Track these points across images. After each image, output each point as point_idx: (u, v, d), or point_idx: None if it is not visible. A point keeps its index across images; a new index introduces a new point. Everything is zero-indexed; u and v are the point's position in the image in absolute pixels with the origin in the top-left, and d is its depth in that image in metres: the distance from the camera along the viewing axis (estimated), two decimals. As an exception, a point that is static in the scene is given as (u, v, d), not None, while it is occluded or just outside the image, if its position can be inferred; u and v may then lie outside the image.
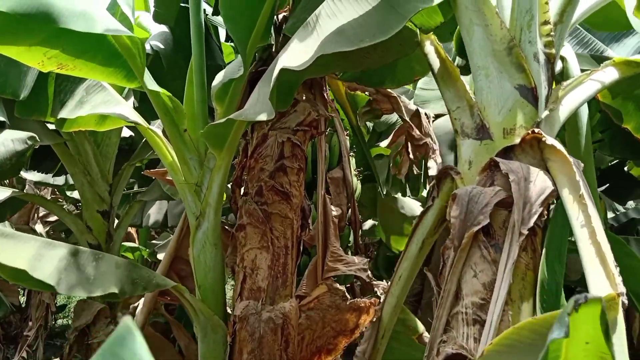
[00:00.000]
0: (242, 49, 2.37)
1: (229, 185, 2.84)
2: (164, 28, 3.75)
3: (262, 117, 1.87)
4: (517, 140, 1.49)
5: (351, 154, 3.86)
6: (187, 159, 2.49)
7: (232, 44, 4.33)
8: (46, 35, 2.00)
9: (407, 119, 3.66)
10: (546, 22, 1.61)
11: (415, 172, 3.93)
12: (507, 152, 1.49)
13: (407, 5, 1.66)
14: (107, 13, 2.14)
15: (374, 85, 2.49)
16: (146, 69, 2.38)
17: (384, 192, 4.51)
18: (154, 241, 7.56)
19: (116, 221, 4.16)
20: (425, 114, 4.09)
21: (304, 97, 2.70)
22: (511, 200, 1.39)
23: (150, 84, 2.33)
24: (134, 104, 3.69)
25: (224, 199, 2.83)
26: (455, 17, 1.69)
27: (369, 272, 2.94)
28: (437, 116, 4.50)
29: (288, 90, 2.40)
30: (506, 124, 1.53)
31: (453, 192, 1.48)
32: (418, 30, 1.91)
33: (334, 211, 2.90)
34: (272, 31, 2.75)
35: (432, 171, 3.76)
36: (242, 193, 2.60)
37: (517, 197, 1.36)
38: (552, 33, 1.61)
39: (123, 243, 6.33)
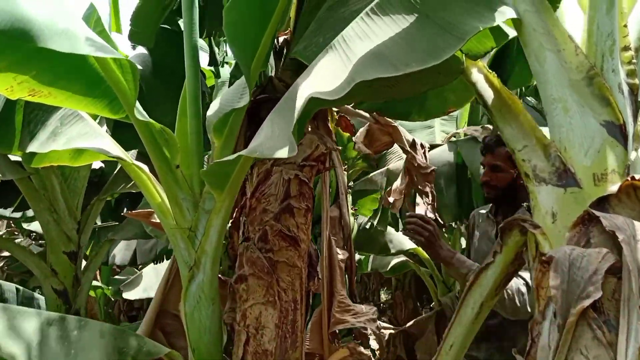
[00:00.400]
0: (246, 74, 2.07)
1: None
2: (140, 50, 3.43)
3: (282, 153, 1.57)
4: (613, 189, 1.23)
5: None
6: (179, 200, 2.16)
7: (212, 68, 4.03)
8: (20, 56, 1.66)
9: (408, 149, 3.42)
10: (627, 48, 1.37)
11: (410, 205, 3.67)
12: (601, 203, 1.23)
13: (463, 26, 1.40)
14: (91, 32, 1.82)
15: (398, 117, 2.23)
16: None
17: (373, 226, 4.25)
18: (117, 277, 7.06)
19: (84, 262, 3.75)
20: (421, 145, 3.86)
21: (309, 129, 2.41)
22: (619, 265, 1.13)
23: (140, 114, 2.01)
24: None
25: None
26: (521, 41, 1.43)
27: (378, 322, 2.65)
28: (432, 146, 4.29)
29: (301, 124, 2.12)
30: (596, 168, 1.28)
31: (547, 254, 1.21)
32: (464, 57, 1.66)
33: (340, 255, 2.60)
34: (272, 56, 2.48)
35: (421, 208, 3.52)
36: (241, 238, 2.27)
37: (629, 260, 1.10)
38: (634, 60, 1.37)
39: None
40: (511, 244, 1.43)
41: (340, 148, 2.54)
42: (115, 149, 2.21)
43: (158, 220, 2.32)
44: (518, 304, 2.32)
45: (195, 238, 2.16)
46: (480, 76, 1.61)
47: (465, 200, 3.98)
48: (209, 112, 2.30)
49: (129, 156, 2.23)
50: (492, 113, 1.51)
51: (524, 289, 2.36)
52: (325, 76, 1.55)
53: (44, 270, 3.45)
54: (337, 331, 2.61)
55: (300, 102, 1.49)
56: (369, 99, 2.04)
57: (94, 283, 6.30)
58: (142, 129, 2.10)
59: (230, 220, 2.35)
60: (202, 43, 3.62)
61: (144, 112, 2.07)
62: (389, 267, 5.08)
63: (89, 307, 7.06)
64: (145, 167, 2.24)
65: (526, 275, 2.39)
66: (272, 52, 2.46)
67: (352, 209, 3.70)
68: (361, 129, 3.61)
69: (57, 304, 3.47)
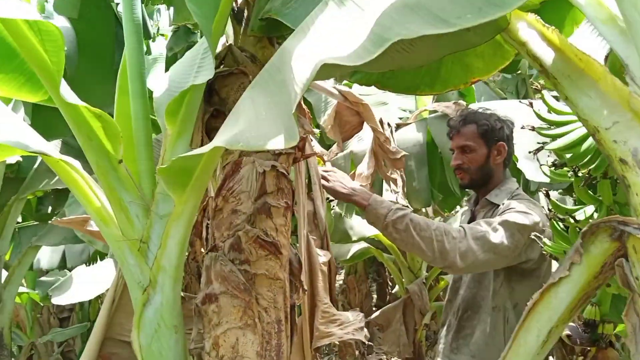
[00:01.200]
0: (208, 36, 1.62)
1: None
2: (61, 22, 2.86)
3: (278, 143, 1.16)
4: None
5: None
6: (124, 204, 1.69)
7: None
8: None
9: (381, 129, 3.04)
10: None
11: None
12: None
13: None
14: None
15: (403, 91, 1.81)
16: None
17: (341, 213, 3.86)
18: (43, 278, 6.36)
19: (5, 274, 3.18)
20: (388, 124, 3.50)
21: (282, 108, 1.98)
22: None
23: (69, 95, 1.52)
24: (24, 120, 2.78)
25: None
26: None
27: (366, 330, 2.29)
28: (398, 126, 3.93)
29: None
30: None
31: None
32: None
33: (321, 256, 2.21)
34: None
35: (390, 195, 3.18)
36: (208, 247, 1.83)
37: None
38: None
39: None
40: (597, 252, 1.09)
41: (316, 131, 2.12)
42: (36, 141, 1.71)
43: (97, 229, 1.84)
44: (447, 247, 2.09)
45: (149, 251, 1.71)
46: (532, 33, 1.24)
47: (437, 183, 3.66)
48: (156, 93, 1.83)
49: (55, 150, 1.73)
50: (556, 81, 1.14)
51: (456, 233, 2.13)
52: (335, 36, 1.14)
53: (-46, 288, 2.87)
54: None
55: (307, 72, 1.08)
56: (368, 67, 1.63)
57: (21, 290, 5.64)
58: (71, 115, 1.61)
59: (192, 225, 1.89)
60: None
61: (72, 93, 1.58)
62: (349, 255, 4.73)
63: (14, 314, 6.37)
64: (76, 164, 1.75)
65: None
66: (229, 16, 2.00)
67: (327, 200, 3.31)
68: (328, 112, 3.19)
69: (-28, 326, 2.91)
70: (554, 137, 1.80)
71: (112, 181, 1.68)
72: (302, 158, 1.99)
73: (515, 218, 2.16)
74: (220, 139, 1.24)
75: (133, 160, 1.72)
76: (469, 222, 2.52)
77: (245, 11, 2.01)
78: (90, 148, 1.65)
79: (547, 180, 1.86)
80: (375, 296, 7.99)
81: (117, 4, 2.86)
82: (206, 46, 1.72)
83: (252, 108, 1.33)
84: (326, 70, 1.57)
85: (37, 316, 6.31)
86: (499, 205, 2.32)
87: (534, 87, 1.88)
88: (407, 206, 2.99)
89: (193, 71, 1.76)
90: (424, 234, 2.11)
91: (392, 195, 3.28)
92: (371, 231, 4.50)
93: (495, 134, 2.33)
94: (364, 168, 3.30)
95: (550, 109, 1.83)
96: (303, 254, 2.16)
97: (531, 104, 1.86)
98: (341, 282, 7.59)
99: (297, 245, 2.20)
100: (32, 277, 5.95)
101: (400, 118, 4.59)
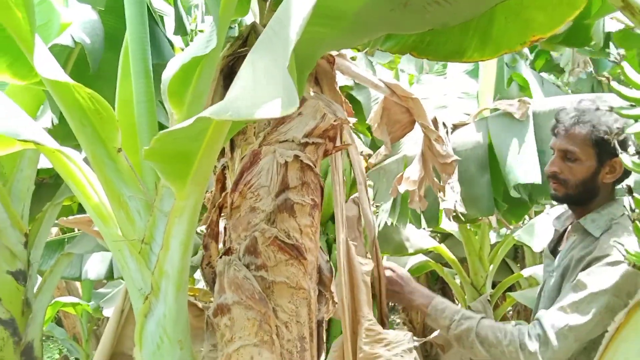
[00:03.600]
0: (215, 12, 1.39)
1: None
2: (89, 15, 2.72)
3: (273, 110, 0.89)
4: None
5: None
6: (123, 199, 1.46)
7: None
8: None
9: (433, 128, 2.72)
10: None
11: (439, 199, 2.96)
12: None
13: None
14: None
15: (447, 58, 1.50)
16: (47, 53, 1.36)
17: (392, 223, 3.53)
18: (101, 290, 6.33)
19: (39, 281, 3.05)
20: (444, 124, 3.16)
21: (311, 92, 1.72)
22: None
23: (51, 71, 1.31)
24: (52, 122, 2.65)
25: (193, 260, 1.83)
26: None
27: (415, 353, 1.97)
28: (455, 126, 3.55)
29: (297, 75, 1.42)
30: None
31: None
32: None
33: (364, 265, 1.91)
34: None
35: (449, 202, 2.83)
36: (222, 250, 1.58)
37: None
38: None
39: (60, 299, 5.18)
40: None
41: (355, 120, 1.84)
42: (29, 129, 1.52)
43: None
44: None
45: (151, 253, 1.47)
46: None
47: (501, 190, 3.27)
48: (166, 73, 1.61)
49: (51, 139, 1.53)
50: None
51: (534, 343, 1.80)
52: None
53: (-16, 296, 2.75)
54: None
55: (305, 9, 0.81)
56: (403, 29, 1.34)
57: (73, 300, 5.61)
58: (61, 97, 1.41)
59: (205, 225, 1.65)
60: (164, 6, 2.91)
61: (62, 70, 1.37)
62: (406, 268, 4.39)
63: (70, 326, 6.36)
64: (75, 155, 1.55)
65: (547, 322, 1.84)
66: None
67: (372, 205, 3.01)
68: (375, 108, 2.89)
69: (2, 336, 2.77)
70: (637, 118, 1.45)
71: (110, 173, 1.46)
72: (334, 150, 1.71)
73: (607, 279, 1.77)
74: (207, 110, 0.99)
75: (134, 149, 1.50)
76: (554, 247, 2.15)
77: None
78: (84, 135, 1.44)
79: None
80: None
81: (148, -2, 2.69)
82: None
83: (252, 72, 1.07)
84: (351, 35, 1.30)
85: (94, 328, 6.28)
86: (595, 238, 1.90)
87: (612, 59, 1.52)
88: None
89: (202, 46, 1.52)
90: (494, 351, 1.83)
91: (451, 202, 2.95)
92: (429, 243, 4.16)
93: (613, 146, 1.73)
94: (412, 172, 2.99)
95: (632, 84, 1.48)
96: (342, 262, 1.87)
97: (608, 79, 1.51)
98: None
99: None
100: (88, 288, 5.92)
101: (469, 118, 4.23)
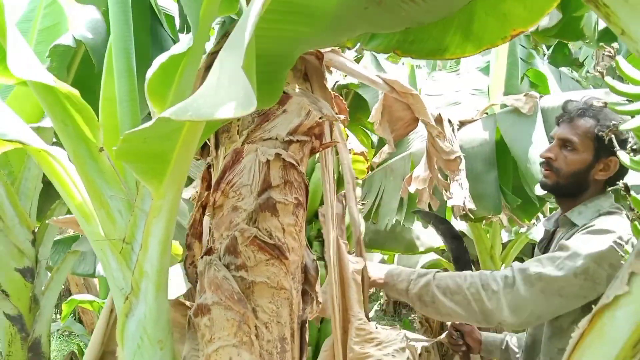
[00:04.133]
0: (192, 11, 1.38)
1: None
2: (92, 14, 2.73)
3: (230, 110, 0.88)
4: None
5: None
6: (104, 199, 1.47)
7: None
8: None
9: (433, 123, 2.68)
10: None
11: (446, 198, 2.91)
12: None
13: None
14: None
15: (429, 55, 1.47)
16: (25, 48, 1.37)
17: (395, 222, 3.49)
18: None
19: (47, 277, 3.10)
20: (449, 120, 3.10)
21: (296, 89, 1.70)
22: None
23: (26, 70, 1.31)
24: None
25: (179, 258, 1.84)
26: None
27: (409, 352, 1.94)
28: (461, 123, 3.49)
29: (274, 74, 1.40)
30: None
31: None
32: None
33: (354, 263, 1.89)
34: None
35: (457, 199, 2.77)
36: (204, 250, 1.57)
37: None
38: None
39: (76, 297, 5.25)
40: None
41: (343, 117, 1.82)
42: (16, 129, 1.53)
43: (86, 229, 1.63)
44: (488, 305, 1.73)
45: (132, 253, 1.47)
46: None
47: (511, 187, 3.21)
48: (149, 71, 1.60)
49: (38, 139, 1.54)
50: (609, 10, 0.78)
51: (498, 283, 1.76)
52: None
53: (-8, 293, 2.80)
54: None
55: (253, 16, 0.80)
56: (380, 27, 1.31)
57: (90, 297, 5.68)
58: (42, 96, 1.41)
59: (189, 224, 1.64)
60: (171, 5, 2.91)
61: (42, 69, 1.38)
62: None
63: (88, 322, 6.45)
64: (61, 154, 1.56)
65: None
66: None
67: (360, 202, 2.98)
68: (375, 106, 2.86)
69: (10, 332, 2.82)
70: (632, 114, 1.40)
71: (91, 172, 1.46)
72: (322, 148, 1.69)
73: (590, 245, 1.72)
74: (168, 111, 0.98)
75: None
76: (545, 247, 2.10)
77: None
78: (66, 134, 1.44)
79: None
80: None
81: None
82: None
83: (218, 72, 1.06)
84: (328, 33, 1.28)
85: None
86: (579, 227, 1.88)
87: (606, 52, 1.47)
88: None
89: (182, 45, 1.52)
90: (457, 298, 1.78)
91: (460, 199, 2.90)
92: (440, 241, 4.10)
93: (612, 144, 1.71)
94: (421, 170, 2.95)
95: (627, 79, 1.43)
96: (332, 261, 1.85)
97: (602, 74, 1.46)
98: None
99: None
100: (105, 285, 6.01)
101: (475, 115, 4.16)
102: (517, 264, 1.81)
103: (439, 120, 2.85)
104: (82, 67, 2.80)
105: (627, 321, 0.78)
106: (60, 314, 5.89)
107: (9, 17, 1.36)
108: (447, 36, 1.39)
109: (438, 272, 1.89)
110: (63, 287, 8.14)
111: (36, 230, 2.91)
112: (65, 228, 4.78)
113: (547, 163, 1.96)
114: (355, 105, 4.32)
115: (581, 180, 1.88)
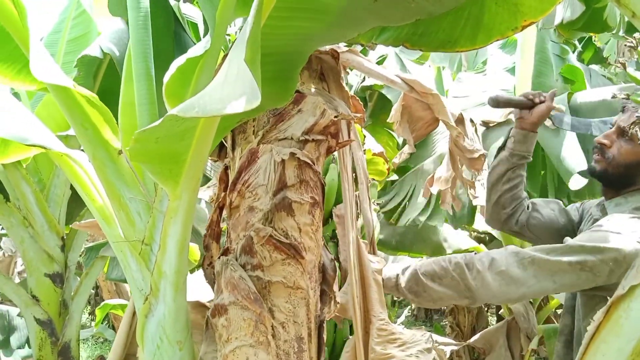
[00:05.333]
0: (209, 13, 1.40)
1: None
2: (118, 25, 2.79)
3: (235, 106, 0.88)
4: None
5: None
6: (123, 201, 1.49)
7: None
8: None
9: (453, 124, 2.65)
10: None
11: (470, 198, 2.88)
12: None
13: None
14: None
15: (439, 48, 1.45)
16: (45, 54, 1.40)
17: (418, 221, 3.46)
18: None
19: (77, 282, 3.16)
20: (471, 120, 3.06)
21: (312, 89, 1.70)
22: None
23: (49, 74, 1.34)
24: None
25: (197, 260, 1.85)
26: None
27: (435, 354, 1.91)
28: (485, 124, 3.44)
29: (286, 71, 1.40)
30: None
31: None
32: None
33: (374, 263, 1.87)
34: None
35: (482, 199, 2.74)
36: (221, 250, 1.58)
37: None
38: None
39: (109, 301, 5.32)
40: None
41: (360, 115, 1.81)
42: (38, 134, 1.57)
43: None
44: (472, 284, 1.70)
45: (151, 254, 1.49)
46: None
47: (539, 187, 3.15)
48: (166, 73, 1.63)
49: (60, 143, 1.58)
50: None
51: (482, 263, 1.72)
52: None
53: (24, 298, 2.86)
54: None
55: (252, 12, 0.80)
56: (390, 20, 1.30)
57: (123, 302, 5.77)
58: (62, 100, 1.45)
59: (206, 225, 1.65)
60: (194, 12, 2.95)
61: (57, 71, 1.41)
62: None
63: (119, 327, 6.55)
64: (82, 158, 1.59)
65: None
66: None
67: (374, 202, 2.96)
68: (394, 106, 2.84)
69: (41, 336, 2.88)
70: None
71: (111, 175, 1.49)
72: (338, 147, 1.69)
73: (592, 239, 1.68)
74: (175, 108, 0.99)
75: (135, 151, 1.52)
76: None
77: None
78: (86, 137, 1.47)
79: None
80: (495, 318, 7.35)
81: (177, 2, 2.73)
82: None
83: (226, 69, 1.07)
84: (339, 29, 1.28)
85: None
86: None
87: (627, 43, 1.43)
88: None
89: (199, 48, 1.53)
90: (446, 282, 1.75)
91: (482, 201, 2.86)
92: (469, 243, 4.05)
93: None
94: (443, 171, 2.91)
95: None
96: (352, 261, 1.84)
97: (624, 65, 1.43)
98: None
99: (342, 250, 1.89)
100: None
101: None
102: (510, 246, 1.77)
103: (460, 120, 2.82)
104: (107, 75, 2.85)
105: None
106: (94, 320, 5.98)
107: (35, 27, 1.40)
108: (457, 28, 1.37)
109: (420, 260, 1.87)
110: (96, 295, 8.28)
111: (65, 237, 2.97)
112: (98, 235, 4.88)
113: (601, 149, 1.90)
114: (380, 106, 4.31)
115: (631, 172, 1.83)
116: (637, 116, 1.66)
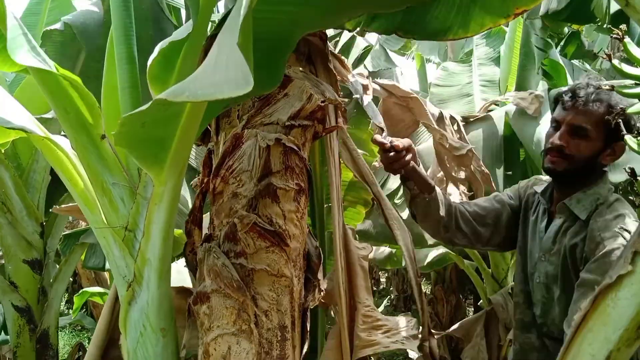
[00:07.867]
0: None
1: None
2: (90, 7, 2.74)
3: (227, 90, 0.86)
4: None
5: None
6: (106, 186, 1.47)
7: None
8: None
9: (435, 126, 2.67)
10: None
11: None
12: None
13: None
14: None
15: (431, 36, 1.44)
16: (25, 35, 1.36)
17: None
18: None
19: (56, 270, 3.12)
20: (451, 117, 3.08)
21: (299, 73, 1.68)
22: None
23: (28, 58, 1.31)
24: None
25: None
26: None
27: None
28: (465, 119, 3.43)
29: (274, 57, 1.39)
30: None
31: None
32: None
33: (361, 249, 1.87)
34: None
35: (455, 198, 2.76)
36: (204, 236, 1.57)
37: None
38: None
39: (88, 289, 5.27)
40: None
41: (347, 100, 1.79)
42: (19, 117, 1.53)
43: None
44: None
45: (135, 240, 1.47)
46: None
47: (516, 182, 3.17)
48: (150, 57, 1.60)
49: (41, 127, 1.54)
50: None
51: None
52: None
53: (1, 284, 2.82)
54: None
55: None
56: (381, 6, 1.29)
57: (101, 289, 5.71)
58: (44, 84, 1.41)
59: (190, 212, 1.64)
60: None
61: (44, 55, 1.37)
62: (426, 261, 4.31)
63: (99, 316, 6.48)
64: (64, 142, 1.56)
65: None
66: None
67: None
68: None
69: (19, 323, 2.84)
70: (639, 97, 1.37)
71: (93, 160, 1.46)
72: (324, 132, 1.68)
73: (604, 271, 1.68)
74: (165, 92, 0.97)
75: (118, 135, 1.50)
76: (546, 226, 2.04)
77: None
78: (68, 121, 1.44)
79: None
80: (472, 309, 7.41)
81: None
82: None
83: (216, 53, 1.05)
84: (328, 14, 1.27)
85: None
86: (582, 222, 1.81)
87: (614, 35, 1.44)
88: None
89: (182, 32, 1.51)
90: None
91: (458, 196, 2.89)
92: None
93: (620, 130, 1.68)
94: (433, 169, 2.95)
95: (634, 60, 1.40)
96: (338, 247, 1.83)
97: (609, 57, 1.43)
98: (428, 291, 7.12)
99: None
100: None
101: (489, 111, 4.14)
102: None
103: (440, 119, 2.83)
104: (87, 63, 2.80)
105: (631, 302, 0.76)
106: (71, 308, 5.91)
107: (12, 8, 1.36)
108: (450, 16, 1.37)
109: None
110: (74, 282, 8.19)
111: (44, 223, 2.92)
112: (77, 222, 4.82)
113: (558, 150, 1.90)
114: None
115: (590, 166, 1.83)
116: (621, 107, 1.66)
